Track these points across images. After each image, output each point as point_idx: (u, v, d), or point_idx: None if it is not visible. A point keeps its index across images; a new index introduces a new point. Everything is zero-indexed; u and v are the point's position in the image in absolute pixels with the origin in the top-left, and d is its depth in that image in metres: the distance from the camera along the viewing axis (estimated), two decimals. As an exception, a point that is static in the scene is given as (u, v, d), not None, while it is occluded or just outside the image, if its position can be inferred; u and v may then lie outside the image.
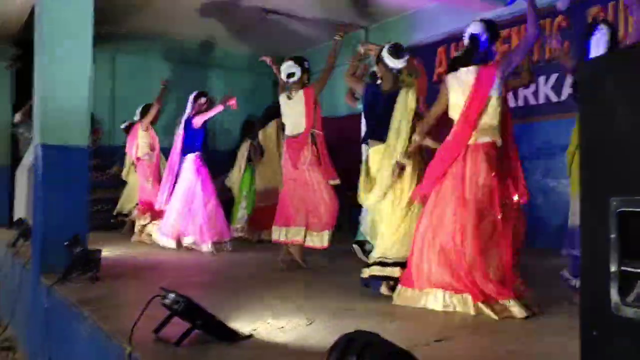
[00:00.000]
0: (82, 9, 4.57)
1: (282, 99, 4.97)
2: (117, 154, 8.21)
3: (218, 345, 2.44)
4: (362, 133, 4.82)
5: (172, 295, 2.48)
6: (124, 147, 7.98)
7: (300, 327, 2.80)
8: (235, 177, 7.59)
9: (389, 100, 3.89)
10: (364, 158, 4.19)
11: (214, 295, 3.69)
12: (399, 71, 3.93)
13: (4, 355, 4.69)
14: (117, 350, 2.46)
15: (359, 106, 5.92)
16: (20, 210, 7.84)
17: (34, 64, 4.73)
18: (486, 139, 3.30)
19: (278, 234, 4.92)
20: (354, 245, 5.07)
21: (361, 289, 3.80)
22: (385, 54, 3.92)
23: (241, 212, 7.75)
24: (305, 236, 4.76)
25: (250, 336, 2.59)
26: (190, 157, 6.19)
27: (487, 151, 3.27)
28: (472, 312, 3.09)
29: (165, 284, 2.64)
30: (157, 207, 6.46)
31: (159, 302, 2.51)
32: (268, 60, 5.40)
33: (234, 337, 2.52)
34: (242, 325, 2.75)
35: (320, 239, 4.71)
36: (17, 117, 8.39)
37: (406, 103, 3.82)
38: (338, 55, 4.89)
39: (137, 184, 7.51)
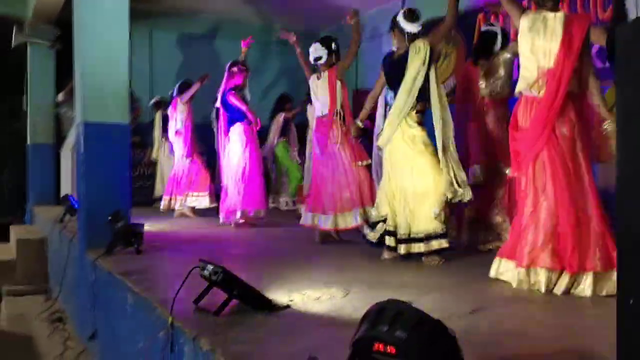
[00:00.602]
0: (119, -14, 4.62)
1: (312, 79, 4.94)
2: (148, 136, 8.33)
3: (256, 315, 2.49)
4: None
5: (210, 267, 2.53)
6: (151, 125, 8.11)
7: (336, 298, 2.84)
8: (267, 148, 7.71)
9: (399, 63, 3.87)
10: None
11: (252, 267, 3.77)
12: (414, 35, 3.88)
13: (55, 326, 4.89)
14: (160, 320, 2.54)
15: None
16: (66, 186, 8.09)
17: (73, 43, 4.83)
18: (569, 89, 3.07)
19: (308, 219, 4.89)
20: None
21: (396, 262, 3.88)
22: (400, 18, 3.90)
23: (285, 185, 7.93)
24: (335, 222, 4.68)
25: (287, 306, 2.64)
26: (237, 128, 6.03)
27: (573, 103, 3.08)
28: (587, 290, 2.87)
29: (205, 256, 2.69)
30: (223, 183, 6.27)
31: (198, 273, 2.58)
32: (285, 35, 5.24)
33: (271, 307, 2.57)
34: (279, 295, 2.80)
35: (353, 218, 4.62)
36: (60, 96, 8.62)
37: (416, 55, 3.78)
38: (361, 32, 4.85)
39: (169, 162, 7.62)
